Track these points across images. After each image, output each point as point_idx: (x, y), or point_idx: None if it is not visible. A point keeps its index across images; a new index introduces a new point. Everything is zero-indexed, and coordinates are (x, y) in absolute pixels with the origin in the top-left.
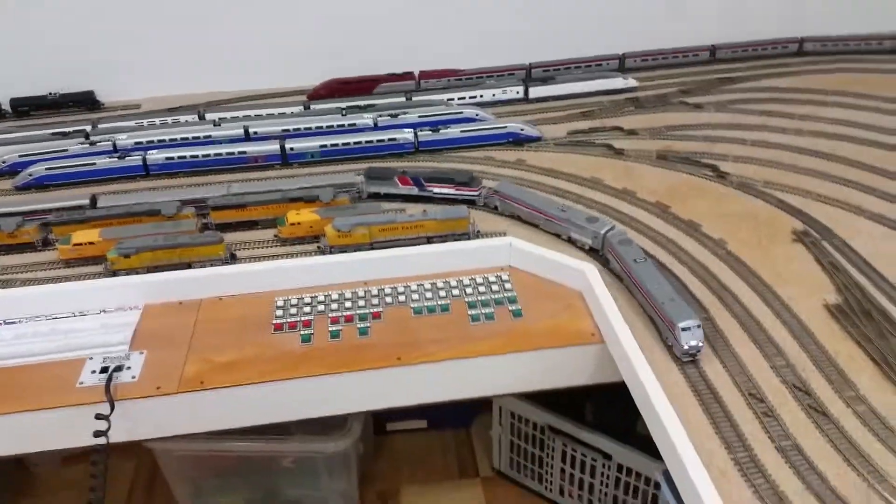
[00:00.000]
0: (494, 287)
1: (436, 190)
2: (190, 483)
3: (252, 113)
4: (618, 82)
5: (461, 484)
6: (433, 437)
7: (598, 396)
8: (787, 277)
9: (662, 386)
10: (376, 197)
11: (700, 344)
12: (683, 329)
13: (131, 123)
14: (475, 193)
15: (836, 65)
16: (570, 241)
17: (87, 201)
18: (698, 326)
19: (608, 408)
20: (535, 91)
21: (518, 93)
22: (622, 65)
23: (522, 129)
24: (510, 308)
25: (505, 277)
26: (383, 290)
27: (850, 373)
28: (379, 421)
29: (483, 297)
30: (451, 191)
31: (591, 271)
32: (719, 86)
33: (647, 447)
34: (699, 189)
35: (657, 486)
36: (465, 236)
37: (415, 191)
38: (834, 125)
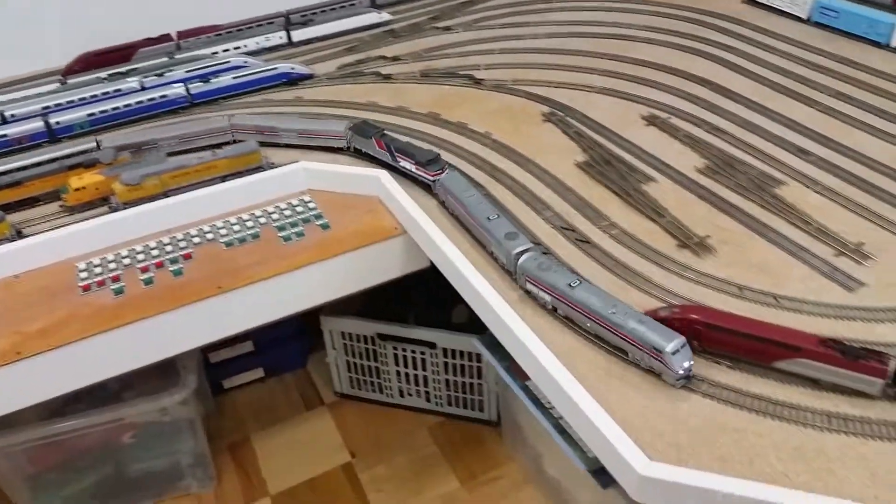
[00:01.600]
0: (299, 209)
1: (402, 163)
2: (27, 483)
3: (3, 98)
4: (373, 17)
5: (309, 416)
6: (273, 383)
7: (418, 303)
8: (544, 150)
9: (463, 253)
10: (359, 154)
11: (691, 363)
12: (673, 353)
13: None
14: (430, 178)
15: None
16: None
17: None
18: (684, 345)
19: (427, 311)
20: (298, 34)
21: (281, 38)
22: (374, 2)
23: (293, 69)
24: (318, 223)
25: (307, 199)
26: (189, 233)
27: (602, 209)
28: (215, 381)
29: (291, 220)
30: (413, 168)
31: (384, 176)
32: (463, 9)
33: (464, 329)
34: (461, 96)
35: (479, 357)
36: (259, 169)
37: (387, 157)
38: (562, 25)
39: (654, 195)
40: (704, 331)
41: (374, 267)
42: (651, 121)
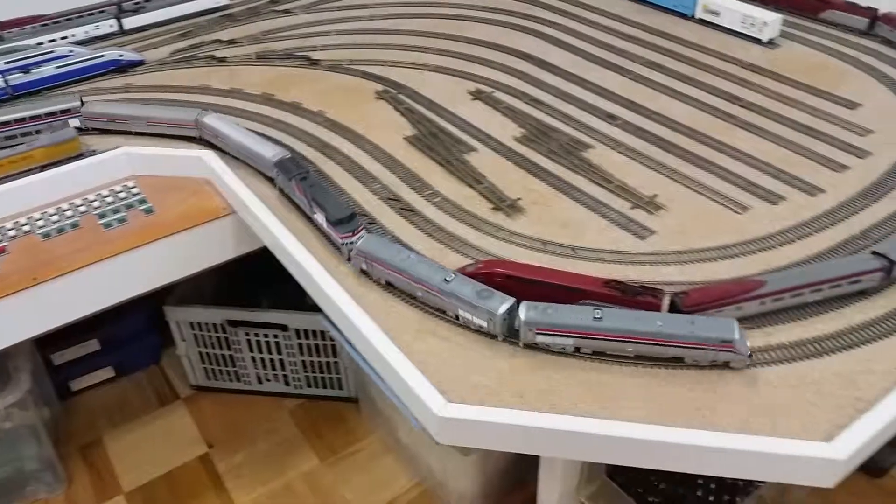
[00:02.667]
0: (122, 195)
1: (318, 217)
2: None
3: None
4: (209, 2)
5: (163, 412)
6: (124, 382)
7: (271, 286)
8: (375, 126)
9: (291, 231)
10: (282, 194)
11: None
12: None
13: None
14: (340, 241)
15: None
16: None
17: None
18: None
19: (281, 293)
20: (130, 22)
21: (112, 26)
22: None
23: (122, 56)
24: (141, 208)
25: (131, 185)
26: (4, 227)
27: (427, 179)
28: (62, 383)
29: (112, 206)
30: (325, 225)
31: (208, 156)
32: None
33: (318, 308)
34: (297, 77)
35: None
36: (80, 157)
37: (306, 206)
38: (399, 7)
39: (474, 164)
40: (504, 282)
41: (204, 249)
42: (477, 95)
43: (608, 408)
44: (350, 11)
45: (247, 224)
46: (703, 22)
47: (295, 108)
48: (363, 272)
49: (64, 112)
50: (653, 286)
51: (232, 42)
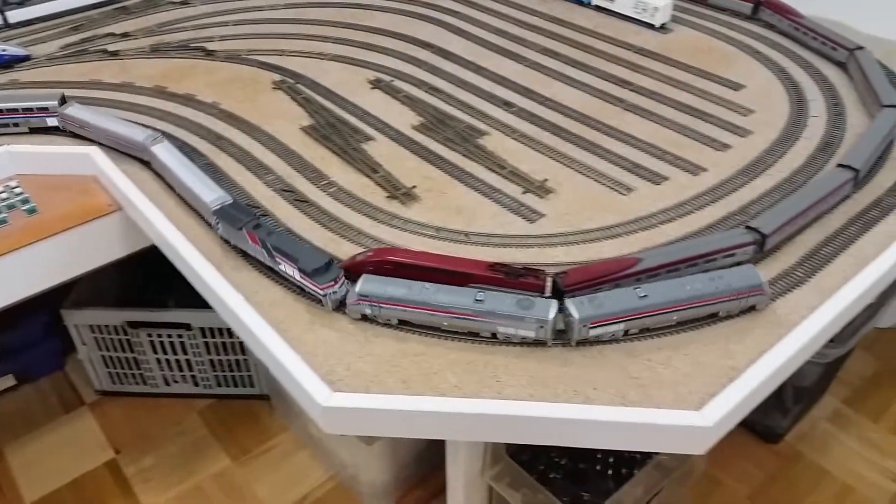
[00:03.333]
0: (3, 195)
1: (283, 267)
2: None
3: None
4: None
5: (68, 419)
6: (27, 390)
7: (177, 285)
8: (272, 116)
9: (176, 226)
10: (228, 245)
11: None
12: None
13: None
14: (321, 292)
15: None
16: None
17: None
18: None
19: (187, 292)
20: (14, 15)
21: None
22: None
23: (5, 51)
24: (23, 208)
25: (13, 185)
26: None
27: (324, 169)
28: None
29: None
30: (298, 276)
31: (95, 153)
32: None
33: None
34: (191, 68)
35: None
36: None
37: (264, 256)
38: None
39: (371, 153)
40: (394, 269)
41: (92, 249)
42: (376, 84)
43: (492, 387)
44: (250, 1)
45: (134, 221)
46: (598, 8)
47: (188, 99)
48: (364, 318)
49: (41, 110)
50: (535, 268)
51: (126, 35)
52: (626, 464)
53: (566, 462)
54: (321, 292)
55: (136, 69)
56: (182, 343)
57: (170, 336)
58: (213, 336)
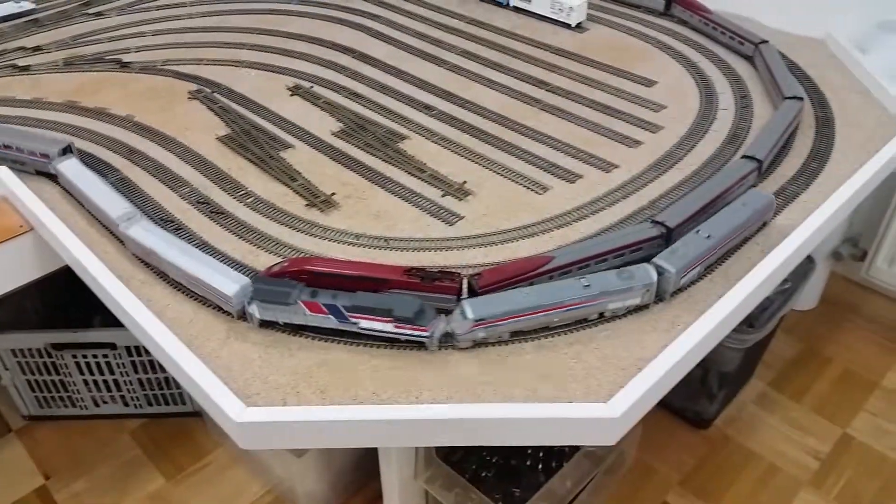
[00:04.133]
0: None
1: (364, 324)
2: None
3: None
4: (11, 7)
5: None
6: None
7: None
8: (188, 127)
9: (82, 240)
10: (273, 326)
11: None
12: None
13: None
14: (425, 334)
15: None
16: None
17: None
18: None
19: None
20: None
21: None
22: None
23: None
24: None
25: None
26: None
27: (240, 179)
28: None
29: None
30: (390, 327)
31: (4, 173)
32: None
33: None
34: (105, 81)
35: None
36: None
37: (332, 322)
38: (218, 3)
39: (290, 161)
40: (311, 278)
41: (6, 271)
42: (295, 91)
43: (410, 392)
44: (167, 10)
45: (46, 241)
46: (516, 9)
47: (100, 114)
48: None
49: None
50: (450, 270)
51: (37, 49)
52: (555, 457)
53: (497, 459)
54: (425, 334)
55: (49, 84)
56: (108, 363)
57: (95, 356)
58: (140, 354)
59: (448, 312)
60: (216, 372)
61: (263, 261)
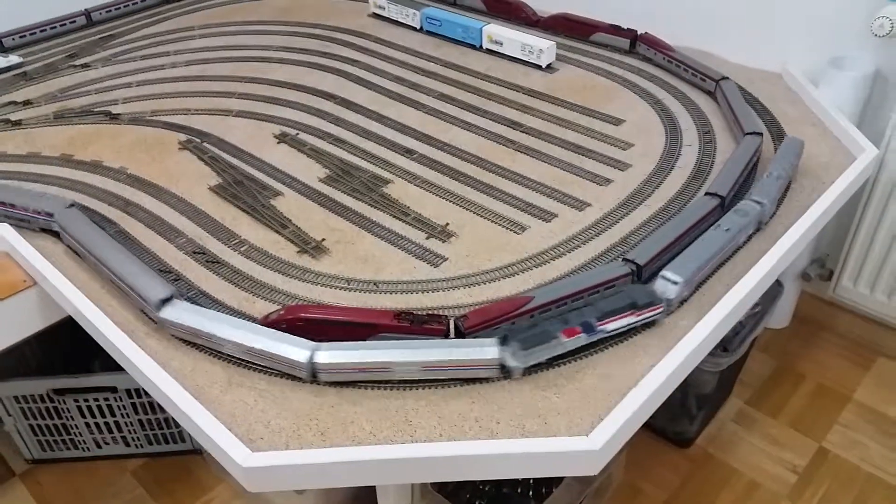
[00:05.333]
0: None
1: (613, 326)
2: None
3: None
4: None
5: (0, 491)
6: None
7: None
8: (179, 178)
9: (85, 294)
10: (537, 368)
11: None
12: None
13: None
14: (658, 311)
15: (198, 4)
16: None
17: None
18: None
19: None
20: None
21: None
22: (1, 46)
23: None
24: None
25: None
26: None
27: (234, 228)
28: None
29: None
30: (634, 318)
31: (3, 228)
32: (102, 44)
33: None
34: (96, 134)
35: None
36: None
37: (583, 339)
38: (202, 52)
39: (280, 208)
40: (306, 325)
41: (10, 324)
42: (282, 138)
43: (405, 431)
44: (152, 61)
45: (49, 295)
46: (489, 52)
47: (95, 166)
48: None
49: None
50: (437, 314)
51: (28, 103)
52: (545, 483)
53: (490, 488)
54: (658, 311)
55: (41, 138)
56: (109, 406)
57: (97, 400)
58: (140, 396)
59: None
60: (221, 418)
61: (259, 308)
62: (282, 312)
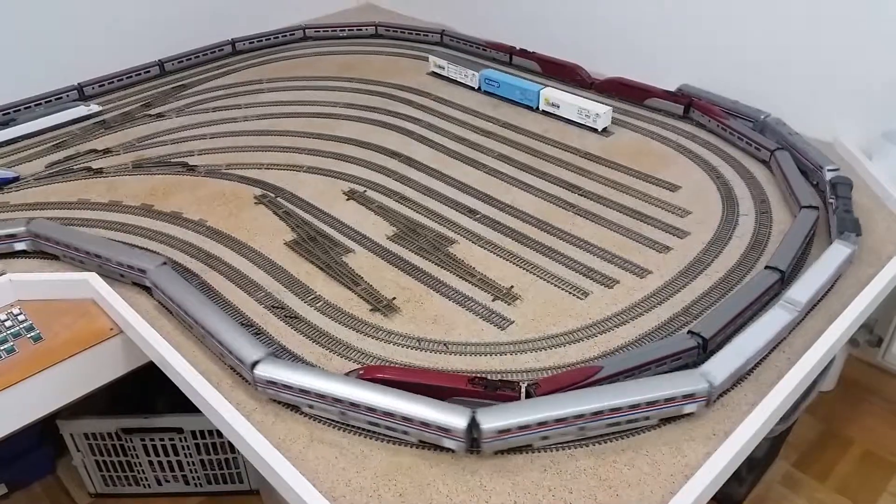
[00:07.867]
0: (8, 323)
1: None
2: None
3: None
4: (81, 110)
5: None
6: (20, 497)
7: (166, 389)
8: (256, 232)
9: (171, 344)
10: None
11: None
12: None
13: None
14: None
15: (264, 58)
16: None
17: None
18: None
19: (176, 395)
20: (0, 135)
21: None
22: (82, 93)
23: None
24: (29, 336)
25: (16, 312)
26: None
27: (309, 284)
28: None
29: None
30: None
31: (93, 278)
32: (175, 94)
33: None
34: (175, 185)
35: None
36: None
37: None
38: (272, 106)
39: (352, 265)
40: (384, 384)
41: (95, 370)
42: (350, 195)
43: (479, 496)
44: (224, 113)
45: (133, 342)
46: (545, 113)
47: (175, 217)
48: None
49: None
50: (510, 380)
51: (107, 151)
52: None
53: None
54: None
55: (122, 187)
56: (174, 445)
57: (162, 440)
58: (204, 437)
59: None
60: (307, 476)
61: (336, 364)
62: (361, 372)
